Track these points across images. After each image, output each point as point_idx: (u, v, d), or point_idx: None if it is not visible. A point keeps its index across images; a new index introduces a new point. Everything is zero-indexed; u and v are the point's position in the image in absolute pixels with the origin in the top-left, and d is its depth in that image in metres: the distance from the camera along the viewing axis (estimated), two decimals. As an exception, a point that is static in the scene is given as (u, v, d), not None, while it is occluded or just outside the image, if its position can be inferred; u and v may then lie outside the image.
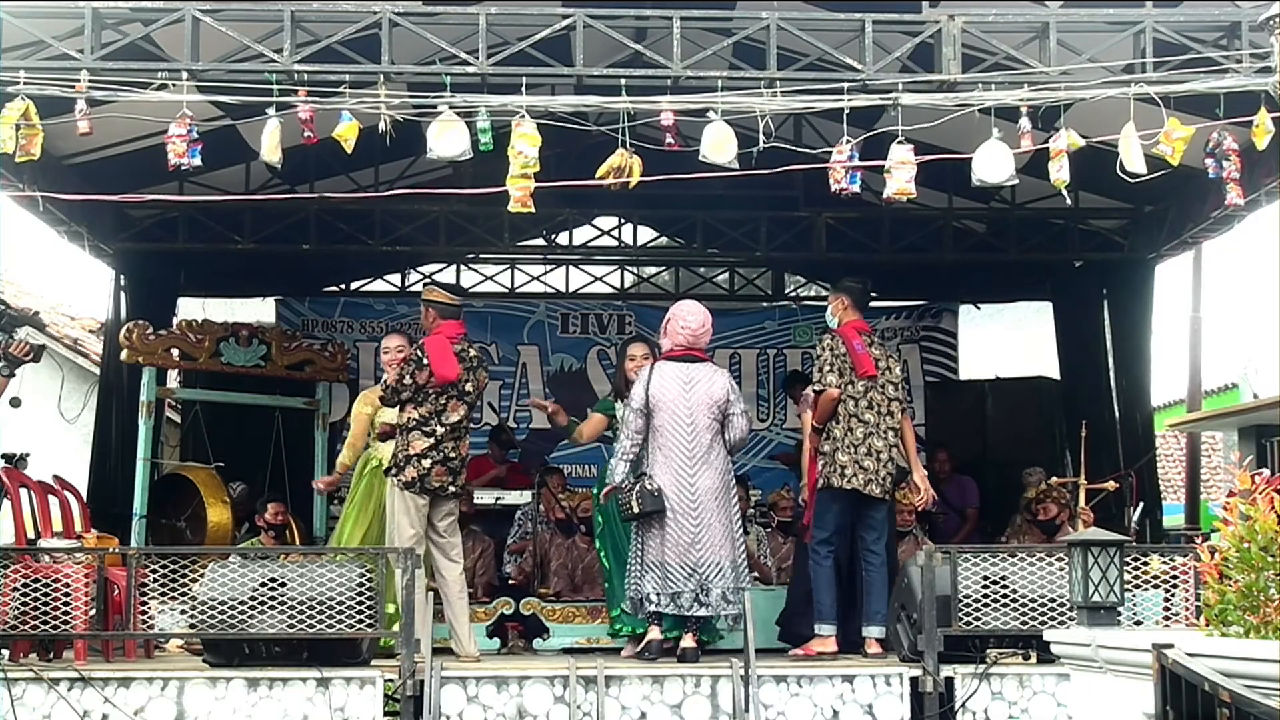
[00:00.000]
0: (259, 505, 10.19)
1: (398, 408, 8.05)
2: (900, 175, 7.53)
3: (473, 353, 8.14)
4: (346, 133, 7.41)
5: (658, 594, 7.76)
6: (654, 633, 7.82)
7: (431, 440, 7.90)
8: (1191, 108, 7.73)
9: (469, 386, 8.04)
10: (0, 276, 14.32)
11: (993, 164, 7.62)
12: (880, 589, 8.08)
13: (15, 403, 8.44)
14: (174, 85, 7.49)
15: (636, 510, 7.75)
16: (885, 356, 8.31)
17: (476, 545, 9.89)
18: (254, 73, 7.52)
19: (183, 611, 7.88)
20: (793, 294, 13.95)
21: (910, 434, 8.49)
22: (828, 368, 8.13)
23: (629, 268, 13.76)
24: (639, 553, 7.90)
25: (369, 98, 7.44)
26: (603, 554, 8.73)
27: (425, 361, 7.92)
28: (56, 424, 11.42)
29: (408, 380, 7.94)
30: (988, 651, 7.38)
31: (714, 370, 8.10)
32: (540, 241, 12.90)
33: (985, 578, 7.35)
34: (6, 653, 7.43)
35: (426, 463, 7.89)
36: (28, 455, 8.49)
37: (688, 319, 8.03)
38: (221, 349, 10.31)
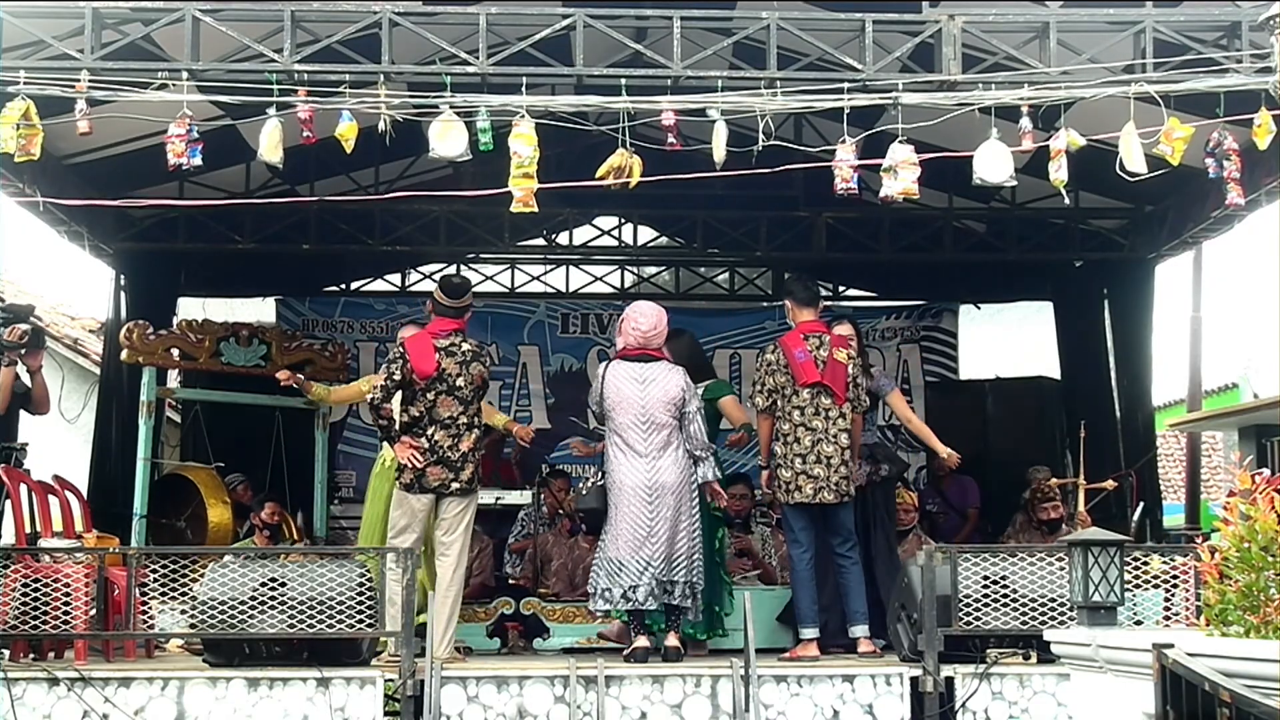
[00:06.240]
0: (254, 505, 10.20)
1: (394, 401, 7.98)
2: (907, 176, 7.53)
3: (466, 347, 7.93)
4: (346, 133, 7.41)
5: (615, 588, 7.75)
6: (641, 640, 7.75)
7: (425, 440, 7.82)
8: (1191, 107, 7.73)
9: (460, 381, 7.85)
10: (0, 276, 14.30)
11: (993, 164, 7.62)
12: (857, 589, 8.17)
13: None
14: (174, 85, 7.50)
15: (580, 505, 7.83)
16: (836, 352, 8.09)
17: (475, 545, 9.85)
18: (254, 73, 7.53)
19: (183, 611, 7.88)
20: (793, 294, 13.94)
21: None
22: (759, 386, 8.20)
23: (629, 268, 13.74)
24: (601, 548, 7.95)
25: (369, 98, 7.45)
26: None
27: (406, 357, 7.85)
28: (56, 424, 11.40)
29: (397, 376, 7.85)
30: (988, 651, 7.38)
31: (669, 368, 8.03)
32: (540, 241, 12.88)
33: (985, 577, 7.35)
34: (6, 653, 7.43)
35: (420, 462, 7.81)
36: (27, 445, 8.54)
37: (639, 320, 8.01)
38: (221, 349, 10.30)
